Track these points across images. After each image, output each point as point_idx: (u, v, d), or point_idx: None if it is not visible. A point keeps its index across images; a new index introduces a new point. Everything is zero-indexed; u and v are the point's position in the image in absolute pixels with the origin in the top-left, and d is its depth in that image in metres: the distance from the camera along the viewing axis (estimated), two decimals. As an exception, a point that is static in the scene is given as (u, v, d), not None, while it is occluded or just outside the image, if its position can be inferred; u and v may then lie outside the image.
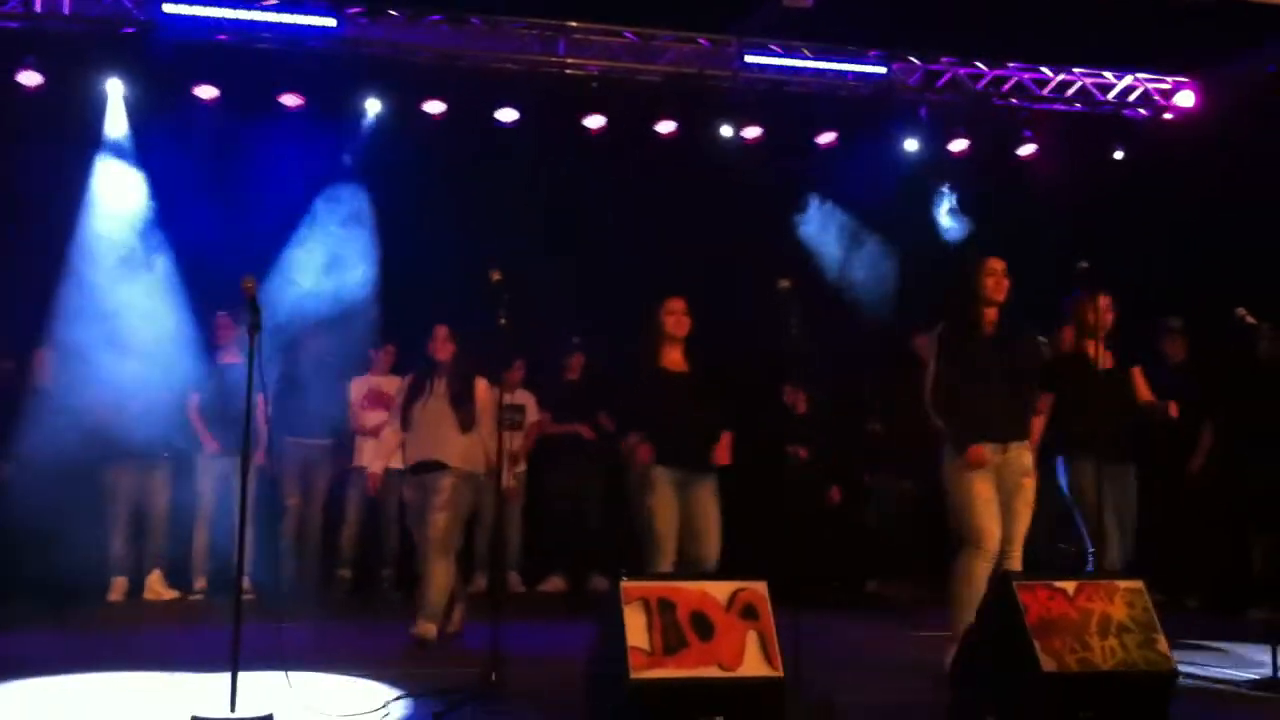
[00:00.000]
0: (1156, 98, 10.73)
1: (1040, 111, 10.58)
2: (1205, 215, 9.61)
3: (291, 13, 9.09)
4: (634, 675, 4.45)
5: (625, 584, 4.67)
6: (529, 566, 9.53)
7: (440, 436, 6.80)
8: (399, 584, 8.75)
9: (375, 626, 6.75)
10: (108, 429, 8.19)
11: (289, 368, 8.63)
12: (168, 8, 8.83)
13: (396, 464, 7.35)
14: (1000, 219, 10.05)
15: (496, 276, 5.78)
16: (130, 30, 9.01)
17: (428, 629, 6.60)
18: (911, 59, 10.31)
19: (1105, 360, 6.71)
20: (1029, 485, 6.14)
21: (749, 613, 4.71)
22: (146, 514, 8.59)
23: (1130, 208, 10.07)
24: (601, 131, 9.95)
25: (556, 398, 9.67)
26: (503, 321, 5.80)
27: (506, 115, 9.81)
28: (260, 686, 5.08)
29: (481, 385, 6.89)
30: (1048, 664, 4.73)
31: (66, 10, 8.90)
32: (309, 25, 9.12)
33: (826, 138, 10.42)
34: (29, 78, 8.87)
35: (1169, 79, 10.67)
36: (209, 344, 8.80)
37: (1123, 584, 5.07)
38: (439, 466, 6.77)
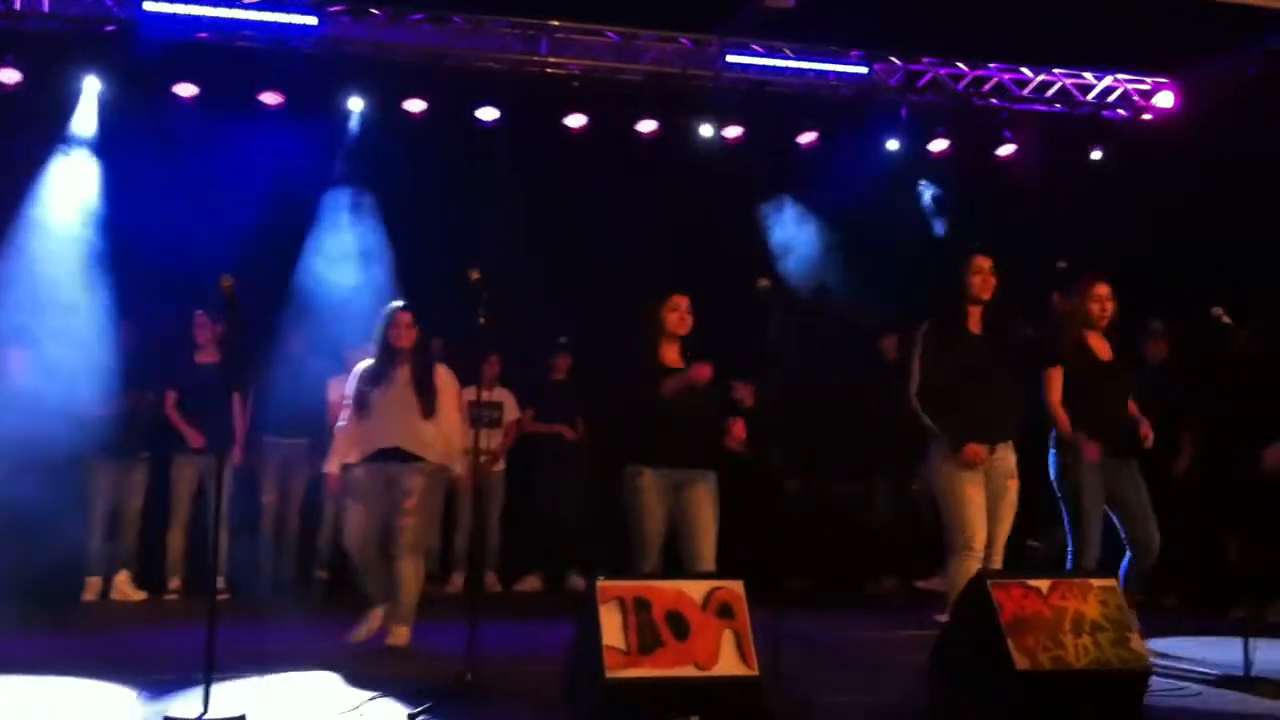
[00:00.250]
0: (1136, 98, 10.77)
1: (1020, 112, 10.62)
2: (1184, 216, 9.64)
3: (273, 11, 9.06)
4: (609, 675, 4.46)
5: (601, 583, 4.68)
6: (507, 566, 9.52)
7: (405, 423, 6.61)
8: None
9: (352, 627, 6.71)
10: (84, 427, 8.14)
11: (268, 366, 8.61)
12: (148, 6, 8.80)
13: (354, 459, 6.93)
14: (980, 219, 10.09)
15: (476, 275, 5.78)
16: (111, 28, 8.98)
17: (401, 634, 6.56)
18: (893, 59, 10.33)
19: (1105, 352, 6.61)
20: (1013, 488, 6.20)
21: (725, 612, 4.73)
22: (121, 514, 8.57)
23: (1110, 208, 10.10)
24: (583, 130, 9.97)
25: (541, 397, 9.67)
26: (482, 320, 5.81)
27: (488, 114, 9.81)
28: (234, 687, 5.07)
29: (442, 372, 6.79)
30: (1021, 662, 4.75)
31: (46, 8, 8.87)
32: (290, 24, 9.09)
33: (808, 137, 10.43)
34: (7, 75, 8.84)
35: (1148, 80, 10.71)
36: (187, 342, 8.77)
37: (1096, 582, 5.11)
38: (408, 457, 6.61)
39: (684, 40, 9.94)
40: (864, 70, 10.20)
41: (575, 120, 9.92)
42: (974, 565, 5.92)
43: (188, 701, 4.83)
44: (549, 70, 9.82)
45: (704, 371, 6.11)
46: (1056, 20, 9.04)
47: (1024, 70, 10.53)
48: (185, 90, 9.19)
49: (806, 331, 7.68)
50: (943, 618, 6.08)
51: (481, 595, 7.88)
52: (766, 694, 4.71)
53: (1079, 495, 6.39)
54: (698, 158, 10.13)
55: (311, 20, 9.11)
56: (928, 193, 10.72)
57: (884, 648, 6.87)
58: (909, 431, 6.52)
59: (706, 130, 10.18)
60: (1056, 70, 10.57)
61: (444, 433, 6.70)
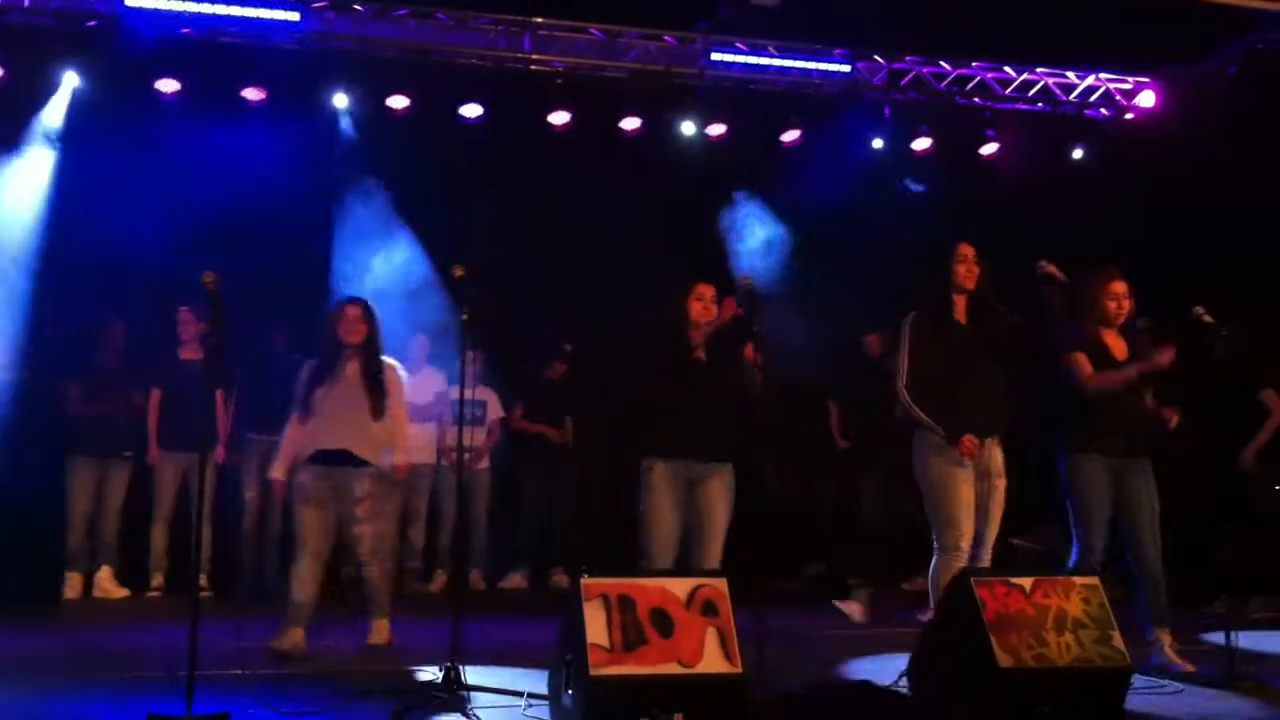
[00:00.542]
0: (1118, 97, 10.82)
1: (1003, 111, 10.66)
2: (1166, 215, 9.68)
3: (256, 6, 9.02)
4: (593, 672, 4.46)
5: (585, 581, 4.68)
6: (493, 563, 9.51)
7: (353, 423, 6.32)
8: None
9: (334, 624, 6.70)
10: (68, 423, 8.12)
11: (251, 363, 8.58)
12: (131, 1, 8.76)
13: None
14: (963, 217, 10.08)
15: (459, 272, 5.76)
16: (93, 23, 8.93)
17: (381, 629, 6.53)
18: (876, 58, 10.36)
19: (1121, 350, 6.40)
20: (1001, 486, 6.10)
21: (709, 609, 4.73)
22: (103, 510, 8.53)
23: (1092, 207, 10.13)
24: (567, 127, 9.95)
25: (533, 396, 9.65)
26: (465, 317, 5.80)
27: (472, 110, 9.79)
28: (217, 684, 5.06)
29: (391, 370, 6.53)
30: (1004, 660, 4.77)
31: (26, 3, 8.82)
32: (273, 19, 9.07)
33: (791, 135, 10.44)
34: (-11, 69, 8.80)
35: (1130, 79, 10.76)
36: (170, 339, 8.74)
37: (1079, 580, 5.13)
38: (354, 461, 6.33)
39: (668, 38, 9.94)
40: (847, 68, 10.24)
41: (559, 117, 9.90)
42: (959, 566, 5.81)
43: (170, 699, 4.81)
44: (533, 67, 9.80)
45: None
46: (1039, 20, 9.07)
47: (1007, 69, 10.56)
48: (167, 86, 9.14)
49: (789, 329, 7.69)
50: (926, 616, 6.09)
51: (466, 592, 7.87)
52: (750, 691, 4.72)
53: (1087, 498, 6.23)
54: (681, 155, 10.13)
55: (294, 16, 9.09)
56: (911, 190, 10.72)
57: (867, 646, 6.89)
58: (895, 428, 6.47)
59: (690, 128, 10.18)
60: (1039, 69, 10.60)
61: (391, 434, 6.45)
